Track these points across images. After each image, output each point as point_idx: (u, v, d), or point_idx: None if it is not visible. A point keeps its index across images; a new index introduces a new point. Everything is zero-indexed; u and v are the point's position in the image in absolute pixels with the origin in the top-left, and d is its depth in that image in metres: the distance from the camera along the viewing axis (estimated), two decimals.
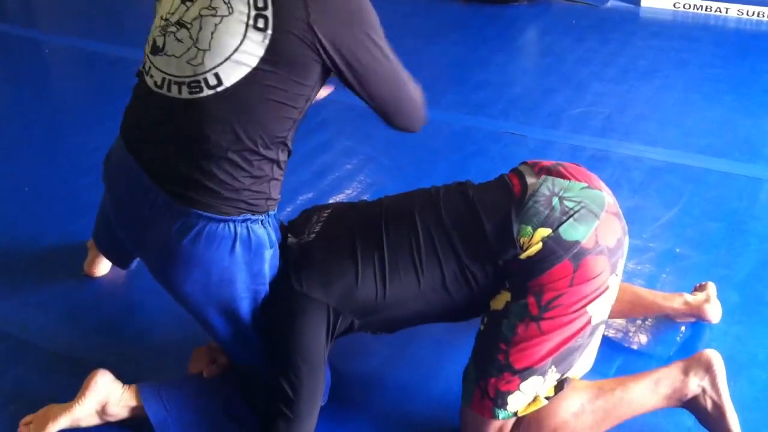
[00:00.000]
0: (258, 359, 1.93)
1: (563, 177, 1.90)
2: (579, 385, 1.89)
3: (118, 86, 4.11)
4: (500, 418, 1.83)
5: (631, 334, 2.33)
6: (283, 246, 1.94)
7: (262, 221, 1.84)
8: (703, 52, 4.54)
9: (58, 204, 3.07)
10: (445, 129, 3.61)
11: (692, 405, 1.89)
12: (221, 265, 1.81)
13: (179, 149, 1.77)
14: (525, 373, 1.80)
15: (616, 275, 1.88)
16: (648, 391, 1.88)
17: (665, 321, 2.35)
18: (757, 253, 2.69)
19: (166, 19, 1.79)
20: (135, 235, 1.92)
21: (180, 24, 1.76)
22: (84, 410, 1.99)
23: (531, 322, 1.79)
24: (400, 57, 1.86)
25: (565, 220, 1.80)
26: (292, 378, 1.80)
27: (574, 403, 1.86)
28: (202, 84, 1.72)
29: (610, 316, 1.97)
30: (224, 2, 1.70)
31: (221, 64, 1.70)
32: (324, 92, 1.95)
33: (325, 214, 2.01)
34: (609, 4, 5.33)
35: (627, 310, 2.27)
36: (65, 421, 1.99)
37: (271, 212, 1.88)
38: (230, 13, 1.70)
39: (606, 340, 2.20)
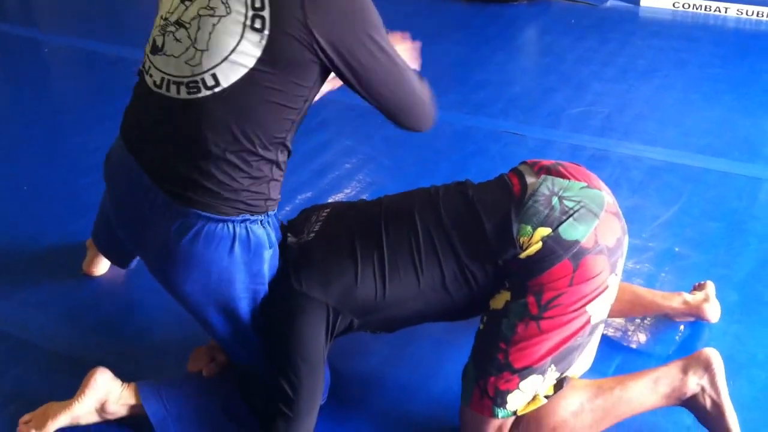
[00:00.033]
0: (257, 359, 1.93)
1: (563, 176, 1.90)
2: (578, 384, 1.89)
3: (117, 86, 4.12)
4: (500, 416, 1.83)
5: (630, 332, 2.33)
6: (283, 245, 1.94)
7: (261, 221, 1.84)
8: (702, 51, 4.54)
9: (57, 204, 3.07)
10: (446, 128, 3.61)
11: (691, 404, 1.89)
12: (220, 265, 1.81)
13: (178, 149, 1.77)
14: (524, 372, 1.80)
15: (616, 275, 1.88)
16: (647, 390, 1.88)
17: (664, 320, 2.35)
18: (756, 253, 2.69)
19: (166, 19, 1.79)
20: (135, 235, 1.92)
21: (179, 24, 1.76)
22: (83, 408, 1.99)
23: (531, 321, 1.79)
24: None
25: (565, 220, 1.81)
26: (292, 377, 1.80)
27: (574, 402, 1.86)
28: (200, 84, 1.72)
29: (610, 315, 1.97)
30: (222, 2, 1.70)
31: (219, 64, 1.70)
32: (327, 87, 1.93)
33: (325, 214, 2.01)
34: (608, 4, 5.33)
35: (626, 309, 2.27)
36: (65, 419, 1.99)
37: (271, 212, 1.88)
38: (228, 14, 1.69)
39: (605, 339, 2.20)
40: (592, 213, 1.83)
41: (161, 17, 1.82)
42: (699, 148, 3.41)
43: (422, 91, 1.90)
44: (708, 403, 1.87)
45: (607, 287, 1.83)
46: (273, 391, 1.82)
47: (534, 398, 1.84)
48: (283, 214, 2.72)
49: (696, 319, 2.33)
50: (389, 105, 1.85)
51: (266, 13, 1.67)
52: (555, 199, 1.84)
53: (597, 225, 1.82)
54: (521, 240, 1.81)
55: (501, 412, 1.83)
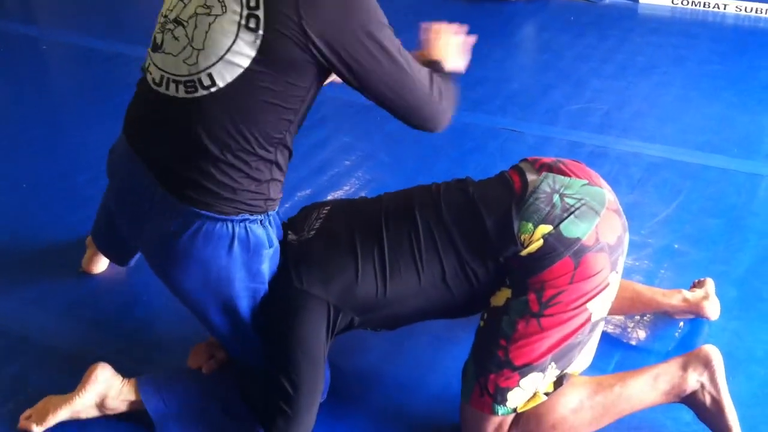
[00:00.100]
0: (257, 357, 1.93)
1: (564, 174, 1.90)
2: (578, 381, 1.90)
3: (116, 83, 4.14)
4: (499, 414, 1.84)
5: (629, 329, 2.34)
6: (283, 243, 1.94)
7: (261, 221, 1.84)
8: (701, 48, 4.53)
9: (56, 200, 3.07)
10: None
11: (691, 400, 1.89)
12: (219, 264, 1.81)
13: (177, 148, 1.77)
14: (525, 369, 1.80)
15: (617, 272, 1.88)
16: (647, 387, 1.88)
17: (663, 317, 2.35)
18: (755, 249, 2.69)
19: (166, 16, 1.79)
20: (135, 231, 1.92)
21: (177, 22, 1.75)
22: (83, 403, 2.00)
23: (531, 318, 1.79)
24: None
25: (566, 217, 1.80)
26: (292, 375, 1.80)
27: (573, 399, 1.86)
28: (197, 84, 1.71)
29: (609, 312, 1.97)
30: (218, 1, 1.69)
31: (214, 64, 1.69)
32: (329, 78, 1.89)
33: (325, 211, 2.01)
34: (607, 1, 5.33)
35: (626, 306, 2.27)
36: (65, 413, 2.00)
37: (271, 212, 1.88)
38: (223, 12, 1.68)
39: (605, 336, 2.20)
40: (594, 210, 1.83)
41: (162, 14, 1.82)
42: (698, 144, 3.41)
43: (433, 90, 1.84)
44: (707, 400, 1.87)
45: (607, 285, 1.83)
46: (273, 388, 1.82)
47: (534, 395, 1.84)
48: (282, 211, 2.71)
49: (695, 316, 2.33)
50: (394, 105, 1.82)
51: (260, 13, 1.65)
52: (556, 197, 1.84)
53: (598, 222, 1.82)
54: (522, 237, 1.81)
55: (501, 410, 1.83)
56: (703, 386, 1.87)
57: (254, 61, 1.67)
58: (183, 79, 1.73)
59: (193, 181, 1.76)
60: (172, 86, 1.75)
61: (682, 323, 2.35)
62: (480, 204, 1.88)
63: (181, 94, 1.73)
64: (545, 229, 1.80)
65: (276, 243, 1.89)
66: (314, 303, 1.81)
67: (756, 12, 5.08)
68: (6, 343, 2.35)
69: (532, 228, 1.81)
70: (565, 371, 1.86)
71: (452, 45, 2.05)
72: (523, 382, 1.81)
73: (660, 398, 1.89)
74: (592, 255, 1.79)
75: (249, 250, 1.82)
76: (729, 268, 2.59)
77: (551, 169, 1.92)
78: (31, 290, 2.56)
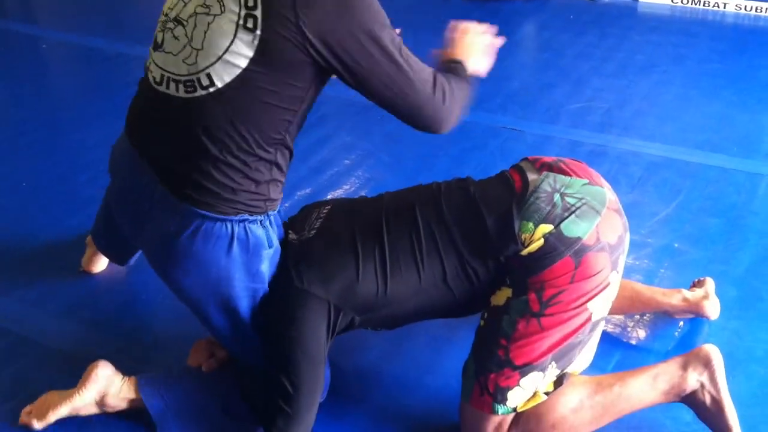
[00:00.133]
0: (257, 356, 1.93)
1: (565, 173, 1.90)
2: (578, 380, 1.90)
3: (116, 82, 4.14)
4: (499, 413, 1.83)
5: (629, 329, 2.34)
6: (284, 242, 1.93)
7: (261, 221, 1.84)
8: (701, 47, 4.53)
9: (56, 200, 3.07)
10: None
11: (691, 400, 1.89)
12: (218, 263, 1.81)
13: (177, 148, 1.77)
14: (525, 369, 1.80)
15: (617, 272, 1.88)
16: (647, 387, 1.88)
17: (663, 316, 2.35)
18: (755, 249, 2.69)
19: (166, 15, 1.79)
20: (136, 229, 1.93)
21: (177, 21, 1.75)
22: (83, 400, 2.01)
23: (532, 318, 1.79)
24: None
25: (567, 217, 1.80)
26: (292, 374, 1.80)
27: (573, 399, 1.86)
28: (196, 84, 1.71)
29: (609, 312, 1.97)
30: (217, 0, 1.68)
31: (213, 64, 1.69)
32: None
33: (325, 210, 2.01)
34: None
35: (626, 306, 2.27)
36: (65, 409, 2.01)
37: (271, 212, 1.87)
38: (222, 12, 1.67)
39: (604, 335, 2.20)
40: (594, 210, 1.83)
41: (163, 13, 1.81)
42: (698, 143, 3.41)
43: (435, 91, 1.80)
44: (707, 400, 1.87)
45: (608, 284, 1.83)
46: (273, 387, 1.82)
47: (534, 395, 1.84)
48: (282, 210, 2.72)
49: (695, 316, 2.33)
50: (393, 106, 1.80)
51: (258, 13, 1.64)
52: (557, 196, 1.84)
53: (599, 222, 1.82)
54: (523, 236, 1.81)
55: (501, 409, 1.83)
56: (703, 386, 1.87)
57: (252, 61, 1.67)
58: (183, 78, 1.73)
59: (193, 181, 1.76)
60: (173, 85, 1.75)
61: (681, 323, 2.35)
62: (481, 203, 1.88)
63: (181, 93, 1.73)
64: (546, 228, 1.80)
65: (276, 243, 1.89)
66: (314, 302, 1.81)
67: (756, 11, 5.08)
68: (6, 342, 2.35)
69: (533, 227, 1.80)
70: (565, 371, 1.86)
71: (477, 46, 2.04)
72: (523, 381, 1.81)
73: (660, 398, 1.89)
74: (593, 254, 1.79)
75: (248, 250, 1.82)
76: (729, 267, 2.59)
77: (552, 168, 1.92)
78: (30, 290, 2.56)
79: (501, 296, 1.86)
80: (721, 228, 2.81)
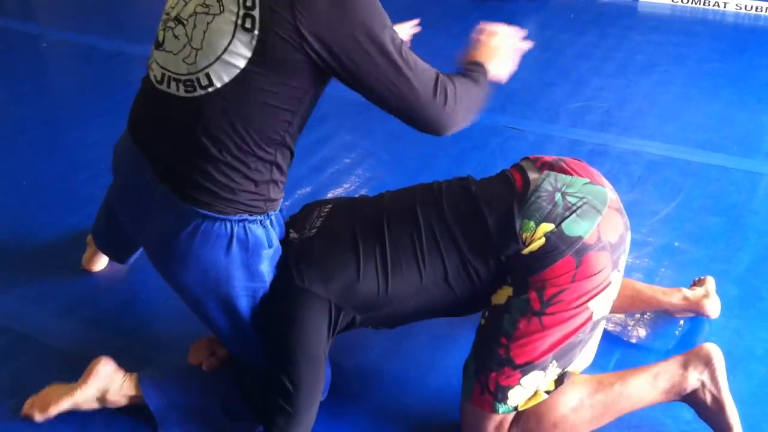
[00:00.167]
0: (257, 355, 1.93)
1: (565, 172, 1.90)
2: (578, 379, 1.89)
3: (116, 81, 4.15)
4: (500, 412, 1.83)
5: (629, 327, 2.34)
6: (285, 241, 1.93)
7: (260, 221, 1.84)
8: (701, 46, 4.53)
9: (56, 198, 3.07)
10: None
11: (691, 399, 1.89)
12: (218, 263, 1.80)
13: (178, 147, 1.77)
14: (526, 367, 1.80)
15: (618, 271, 1.88)
16: (647, 386, 1.88)
17: (664, 315, 2.35)
18: (755, 248, 2.69)
19: (168, 14, 1.79)
20: (137, 227, 1.93)
21: (177, 20, 1.75)
22: (84, 396, 2.02)
23: (533, 317, 1.79)
24: None
25: (568, 216, 1.80)
26: (292, 373, 1.80)
27: (573, 398, 1.86)
28: (195, 84, 1.71)
29: (609, 311, 1.97)
30: (217, 0, 1.68)
31: (212, 64, 1.69)
32: None
33: (326, 209, 2.01)
34: None
35: (626, 305, 2.27)
36: (66, 403, 2.02)
37: (271, 212, 1.87)
38: (221, 12, 1.67)
39: (605, 334, 2.20)
40: (595, 209, 1.83)
41: (165, 12, 1.81)
42: (698, 142, 3.41)
43: (437, 93, 1.76)
44: (708, 399, 1.87)
45: (609, 284, 1.83)
46: (273, 387, 1.82)
47: (535, 394, 1.84)
48: (282, 209, 2.72)
49: (696, 315, 2.33)
50: (393, 106, 1.77)
51: (256, 13, 1.64)
52: (558, 195, 1.84)
53: (600, 221, 1.82)
54: (524, 235, 1.81)
55: (501, 408, 1.83)
56: (703, 384, 1.87)
57: (250, 61, 1.66)
58: (183, 78, 1.73)
59: (193, 180, 1.76)
60: (173, 85, 1.75)
61: (682, 321, 2.35)
62: (482, 202, 1.88)
63: (181, 93, 1.73)
64: (547, 227, 1.79)
65: (276, 243, 1.88)
66: (315, 301, 1.81)
67: (756, 10, 5.08)
68: (6, 340, 2.35)
69: (534, 226, 1.80)
70: (566, 370, 1.86)
71: (503, 49, 2.01)
72: (524, 380, 1.81)
73: (660, 396, 1.89)
74: (594, 254, 1.79)
75: (248, 250, 1.81)
76: (729, 266, 2.59)
77: (553, 167, 1.92)
78: (30, 288, 2.56)
79: (502, 295, 1.85)
80: (721, 227, 2.81)
